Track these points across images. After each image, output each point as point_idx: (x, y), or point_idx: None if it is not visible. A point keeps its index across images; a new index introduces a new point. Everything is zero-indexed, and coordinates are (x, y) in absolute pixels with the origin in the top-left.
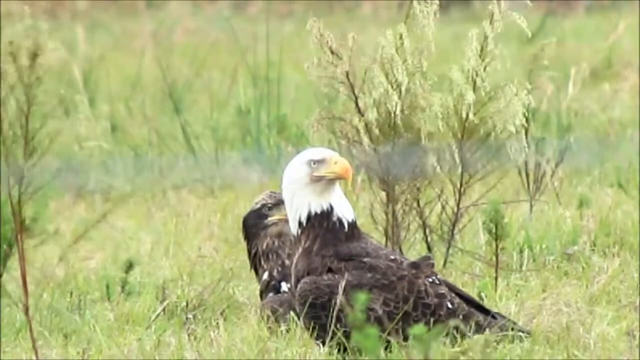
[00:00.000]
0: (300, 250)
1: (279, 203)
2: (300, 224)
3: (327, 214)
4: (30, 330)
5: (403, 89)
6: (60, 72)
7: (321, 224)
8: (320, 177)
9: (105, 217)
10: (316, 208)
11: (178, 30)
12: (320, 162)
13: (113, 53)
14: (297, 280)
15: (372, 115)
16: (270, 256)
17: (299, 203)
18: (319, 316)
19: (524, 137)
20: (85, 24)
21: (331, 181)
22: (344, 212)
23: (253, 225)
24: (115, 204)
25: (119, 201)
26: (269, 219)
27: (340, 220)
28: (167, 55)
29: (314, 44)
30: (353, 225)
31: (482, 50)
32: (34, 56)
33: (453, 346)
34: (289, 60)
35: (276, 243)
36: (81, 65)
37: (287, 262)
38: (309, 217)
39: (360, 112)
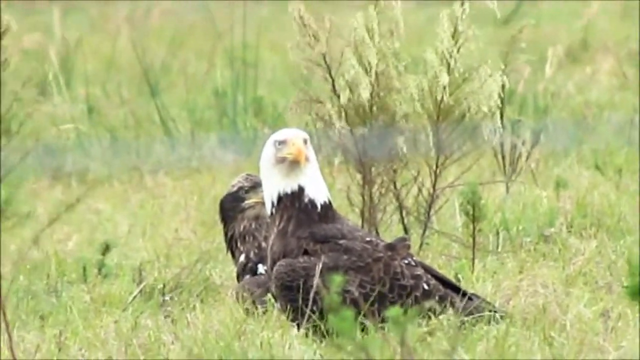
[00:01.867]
0: (275, 231)
1: (255, 186)
2: (272, 204)
3: (297, 194)
4: (4, 313)
5: (374, 71)
6: (36, 55)
7: (293, 204)
8: (283, 158)
9: (80, 201)
10: (286, 189)
11: (154, 12)
12: (283, 143)
13: (89, 36)
14: (273, 262)
15: (344, 97)
16: (247, 238)
17: (270, 183)
18: (295, 299)
19: (498, 118)
20: (62, 6)
21: (294, 163)
22: (316, 193)
23: (230, 208)
24: (92, 186)
25: (96, 183)
26: (246, 202)
27: (312, 202)
28: (143, 38)
29: (295, 26)
30: (327, 206)
31: (454, 31)
32: None
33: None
34: (266, 42)
35: (253, 225)
36: (57, 48)
37: (263, 244)
38: (279, 198)
39: (336, 94)
